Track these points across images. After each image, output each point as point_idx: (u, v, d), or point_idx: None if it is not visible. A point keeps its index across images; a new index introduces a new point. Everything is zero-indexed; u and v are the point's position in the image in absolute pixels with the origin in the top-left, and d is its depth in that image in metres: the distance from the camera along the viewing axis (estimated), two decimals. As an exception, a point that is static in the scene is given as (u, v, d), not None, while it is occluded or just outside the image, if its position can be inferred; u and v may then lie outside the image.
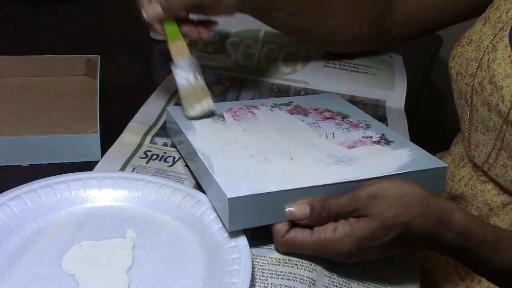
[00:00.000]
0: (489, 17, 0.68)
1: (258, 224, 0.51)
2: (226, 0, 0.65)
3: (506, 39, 0.63)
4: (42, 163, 0.62)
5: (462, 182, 0.72)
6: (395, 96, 0.86)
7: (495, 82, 0.61)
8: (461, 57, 0.68)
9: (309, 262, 0.52)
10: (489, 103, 0.63)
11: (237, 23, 0.89)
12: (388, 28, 0.85)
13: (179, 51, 0.64)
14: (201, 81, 0.64)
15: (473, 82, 0.65)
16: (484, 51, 0.64)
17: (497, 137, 0.63)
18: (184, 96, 0.64)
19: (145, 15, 0.63)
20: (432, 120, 1.40)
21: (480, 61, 0.65)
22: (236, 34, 0.88)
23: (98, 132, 0.63)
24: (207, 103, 0.64)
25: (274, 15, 0.76)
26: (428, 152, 0.59)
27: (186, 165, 0.63)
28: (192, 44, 0.78)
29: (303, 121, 0.66)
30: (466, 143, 0.71)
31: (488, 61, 0.64)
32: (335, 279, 0.51)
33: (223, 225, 0.52)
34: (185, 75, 0.63)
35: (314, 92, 0.85)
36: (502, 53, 0.62)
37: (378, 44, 0.90)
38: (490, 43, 0.64)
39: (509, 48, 0.62)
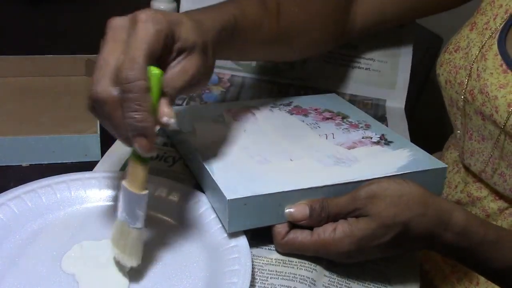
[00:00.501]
0: (475, 23, 0.67)
1: (258, 225, 0.51)
2: (210, 74, 0.54)
3: (495, 47, 0.62)
4: (42, 163, 0.62)
5: (458, 189, 0.72)
6: (395, 94, 0.85)
7: (487, 92, 0.60)
8: (449, 65, 0.67)
9: (309, 262, 0.52)
10: (483, 113, 0.62)
11: None
12: (351, 24, 0.78)
13: (143, 179, 0.47)
14: (143, 231, 0.48)
15: (464, 91, 0.64)
16: (474, 60, 0.63)
17: (494, 146, 0.62)
18: (118, 236, 0.48)
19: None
20: (432, 120, 1.40)
21: (470, 71, 0.64)
22: None
23: (98, 132, 0.63)
24: (132, 263, 0.47)
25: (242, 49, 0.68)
26: (428, 152, 0.59)
27: (186, 165, 0.63)
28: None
29: (303, 121, 0.66)
30: (460, 151, 0.70)
31: (478, 70, 0.63)
32: (335, 279, 0.51)
33: (223, 226, 0.52)
34: (138, 213, 0.47)
35: (314, 90, 0.85)
36: (492, 62, 0.61)
37: (343, 40, 0.82)
38: (479, 52, 0.63)
39: (499, 56, 0.61)
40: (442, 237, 0.50)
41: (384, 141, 0.62)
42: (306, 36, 0.72)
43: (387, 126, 0.78)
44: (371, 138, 0.62)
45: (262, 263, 0.51)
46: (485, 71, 0.61)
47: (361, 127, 0.65)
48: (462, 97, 0.65)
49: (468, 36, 0.66)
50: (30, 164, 0.62)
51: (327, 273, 0.52)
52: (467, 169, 0.71)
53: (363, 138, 0.62)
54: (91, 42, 0.98)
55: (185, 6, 0.84)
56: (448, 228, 0.50)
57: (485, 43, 0.63)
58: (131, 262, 0.47)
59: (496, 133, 0.61)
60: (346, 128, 0.65)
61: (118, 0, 1.23)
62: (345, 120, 0.67)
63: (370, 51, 0.86)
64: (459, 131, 0.69)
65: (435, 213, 0.50)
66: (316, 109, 0.70)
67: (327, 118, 0.68)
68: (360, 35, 0.81)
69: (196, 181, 0.60)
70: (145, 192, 0.47)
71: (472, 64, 0.63)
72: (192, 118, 0.65)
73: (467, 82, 0.64)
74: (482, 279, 0.68)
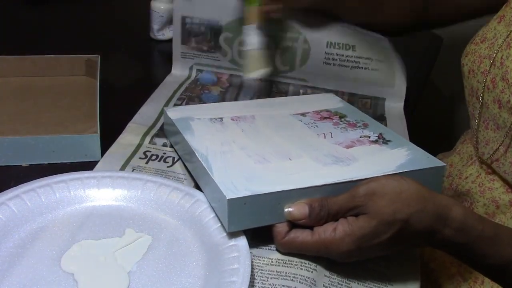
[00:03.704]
0: (504, 16, 0.68)
1: (257, 225, 0.51)
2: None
3: None
4: (42, 163, 0.63)
5: (470, 179, 0.72)
6: (395, 93, 0.85)
7: (507, 79, 0.62)
8: (474, 55, 0.69)
9: (310, 262, 0.52)
10: (500, 100, 0.63)
11: (226, 13, 0.84)
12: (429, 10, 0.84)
13: (253, 16, 0.71)
14: (262, 49, 0.72)
15: (486, 79, 0.66)
16: (498, 49, 0.65)
17: (506, 134, 0.64)
18: (248, 58, 0.72)
19: None
20: (432, 120, 1.40)
21: (494, 59, 0.65)
22: (228, 27, 0.85)
23: (98, 132, 0.63)
24: (264, 71, 0.73)
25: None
26: (429, 152, 0.59)
27: (185, 166, 0.63)
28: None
29: (300, 121, 0.66)
30: (475, 141, 0.71)
31: (501, 58, 0.64)
32: (335, 279, 0.52)
33: (222, 225, 0.52)
34: (252, 40, 0.71)
35: (314, 90, 0.85)
36: None
37: (422, 25, 0.87)
38: (504, 41, 0.65)
39: None
40: (441, 233, 0.50)
41: (382, 140, 0.62)
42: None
43: (386, 125, 0.78)
44: (369, 137, 0.63)
45: (263, 263, 0.51)
46: (508, 59, 0.63)
47: (359, 126, 0.66)
48: (483, 85, 0.66)
49: (496, 28, 0.68)
50: (30, 164, 0.62)
51: (327, 273, 0.52)
52: (481, 162, 0.72)
53: (361, 137, 0.62)
54: (91, 42, 0.98)
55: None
56: (447, 223, 0.50)
57: (510, 32, 0.64)
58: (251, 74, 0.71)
59: (510, 121, 0.62)
60: (344, 128, 0.65)
61: (118, 0, 1.24)
62: (342, 119, 0.67)
63: (367, 51, 0.85)
64: (476, 121, 0.70)
65: (434, 209, 0.50)
66: (314, 109, 0.70)
67: (325, 118, 0.68)
68: (438, 25, 0.88)
69: (196, 181, 0.60)
70: (255, 24, 0.71)
71: (496, 53, 0.65)
72: (191, 118, 0.65)
73: (490, 70, 0.65)
74: (487, 278, 0.69)
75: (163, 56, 0.99)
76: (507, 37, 0.65)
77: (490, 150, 0.68)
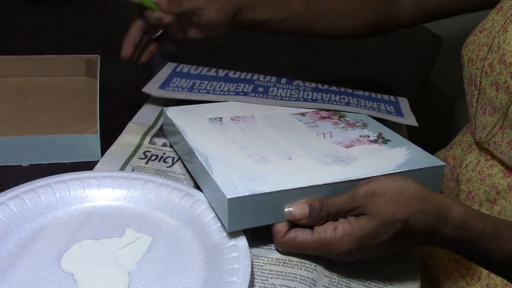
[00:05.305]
0: (502, 7, 0.70)
1: (257, 224, 0.51)
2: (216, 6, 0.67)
3: None
4: (42, 163, 0.63)
5: (470, 167, 0.73)
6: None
7: (504, 60, 0.64)
8: (473, 44, 0.71)
9: (309, 262, 0.52)
10: (498, 82, 0.65)
11: None
12: (395, 15, 0.88)
13: None
14: None
15: (484, 65, 0.67)
16: (496, 35, 0.67)
17: (503, 116, 0.65)
18: None
19: None
20: (432, 120, 1.40)
21: (491, 45, 0.67)
22: None
23: (98, 132, 0.63)
24: None
25: (262, 26, 0.80)
26: (428, 151, 0.59)
27: (185, 166, 0.63)
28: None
29: (300, 120, 0.67)
30: (473, 127, 0.72)
31: (498, 42, 0.66)
32: (335, 279, 0.52)
33: (222, 225, 0.52)
34: None
35: None
36: (511, 33, 0.65)
37: (386, 30, 0.91)
38: (501, 27, 0.67)
39: None
40: (441, 232, 0.51)
41: (381, 139, 0.62)
42: (335, 18, 0.84)
43: (385, 125, 0.78)
44: (369, 136, 0.63)
45: (262, 263, 0.51)
46: (504, 42, 0.65)
47: (358, 126, 0.66)
48: (481, 71, 0.68)
49: (494, 18, 0.70)
50: (30, 164, 0.62)
51: (327, 273, 0.52)
52: (480, 149, 0.73)
53: (360, 136, 0.63)
54: (91, 42, 0.98)
55: None
56: (447, 223, 0.50)
57: (507, 18, 0.67)
58: None
59: (505, 101, 0.64)
60: (343, 127, 0.65)
61: (118, 0, 1.24)
62: (342, 119, 0.68)
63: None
64: (473, 108, 0.71)
65: (434, 209, 0.50)
66: (313, 108, 0.70)
67: (324, 117, 0.68)
68: (406, 26, 0.90)
69: (196, 182, 0.60)
70: None
71: (494, 39, 0.67)
72: (190, 118, 0.65)
73: (487, 55, 0.67)
74: (484, 274, 0.69)
75: (163, 56, 0.99)
76: (504, 23, 0.67)
77: (487, 134, 0.69)
